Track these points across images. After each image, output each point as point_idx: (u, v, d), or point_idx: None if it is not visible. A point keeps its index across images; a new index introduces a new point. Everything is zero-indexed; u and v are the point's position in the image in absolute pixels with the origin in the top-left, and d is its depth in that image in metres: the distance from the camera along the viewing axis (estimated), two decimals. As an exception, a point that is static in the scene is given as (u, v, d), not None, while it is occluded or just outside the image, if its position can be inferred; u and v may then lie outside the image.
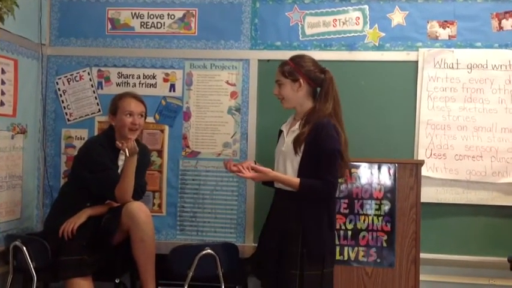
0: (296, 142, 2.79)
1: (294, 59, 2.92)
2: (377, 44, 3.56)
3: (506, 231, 3.41)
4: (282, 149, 2.88)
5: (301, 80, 2.86)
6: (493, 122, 3.44)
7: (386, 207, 3.21)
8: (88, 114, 3.74)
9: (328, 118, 2.80)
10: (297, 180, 2.76)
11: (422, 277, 3.19)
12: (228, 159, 3.25)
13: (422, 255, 3.20)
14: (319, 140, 2.74)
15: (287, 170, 2.83)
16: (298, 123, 2.86)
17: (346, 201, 3.24)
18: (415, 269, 3.15)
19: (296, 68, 2.86)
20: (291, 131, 2.89)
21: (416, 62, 3.51)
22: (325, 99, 2.84)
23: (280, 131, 3.00)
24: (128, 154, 3.06)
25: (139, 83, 3.71)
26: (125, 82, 3.73)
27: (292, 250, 2.76)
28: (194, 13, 3.70)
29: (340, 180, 3.23)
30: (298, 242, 2.75)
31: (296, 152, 2.79)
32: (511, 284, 3.38)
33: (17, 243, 3.06)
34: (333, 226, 2.89)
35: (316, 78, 2.87)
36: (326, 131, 2.75)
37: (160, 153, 3.69)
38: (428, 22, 3.53)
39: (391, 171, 3.21)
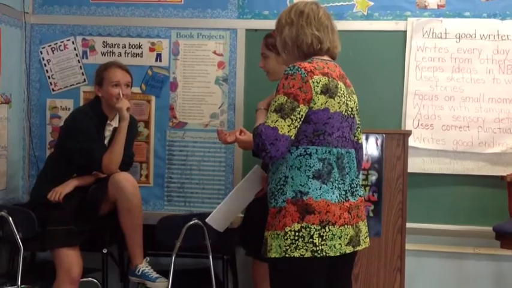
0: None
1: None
2: (366, 13, 3.53)
3: (492, 200, 3.43)
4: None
5: None
6: (480, 92, 3.44)
7: (373, 177, 3.21)
8: (73, 84, 3.69)
9: None
10: None
11: (408, 246, 3.22)
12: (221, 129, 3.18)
13: (409, 225, 3.22)
14: None
15: None
16: None
17: (334, 171, 3.24)
18: (401, 238, 3.17)
19: None
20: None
21: (405, 31, 3.48)
22: None
23: None
24: (124, 110, 3.07)
25: (125, 53, 3.66)
26: (110, 51, 3.67)
27: None
28: (180, -19, 3.64)
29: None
30: None
31: None
32: (495, 252, 3.42)
33: (3, 213, 3.03)
34: None
35: None
36: None
37: (147, 124, 3.66)
38: (417, -9, 3.50)
39: (379, 142, 3.21)
